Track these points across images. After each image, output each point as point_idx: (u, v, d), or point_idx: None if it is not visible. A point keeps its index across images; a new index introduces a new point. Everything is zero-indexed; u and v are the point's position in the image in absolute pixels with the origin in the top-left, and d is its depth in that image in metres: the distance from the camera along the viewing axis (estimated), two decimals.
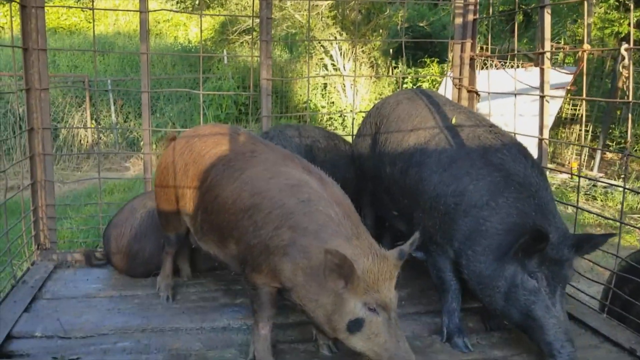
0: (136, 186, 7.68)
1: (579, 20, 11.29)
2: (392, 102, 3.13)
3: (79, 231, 5.07)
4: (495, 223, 2.29)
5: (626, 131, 9.40)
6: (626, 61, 2.59)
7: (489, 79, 3.59)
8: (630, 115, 2.73)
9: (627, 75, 2.52)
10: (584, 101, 3.05)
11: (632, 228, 5.97)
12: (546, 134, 3.13)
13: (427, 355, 2.39)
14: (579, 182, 3.62)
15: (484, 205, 2.31)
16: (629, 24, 9.52)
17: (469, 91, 3.77)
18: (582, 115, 8.51)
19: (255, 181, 2.27)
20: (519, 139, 3.18)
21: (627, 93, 2.32)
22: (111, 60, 12.32)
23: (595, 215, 5.64)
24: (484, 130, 2.58)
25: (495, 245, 2.27)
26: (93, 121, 10.27)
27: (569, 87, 6.78)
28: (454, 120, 2.65)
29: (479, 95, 3.78)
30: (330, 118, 12.15)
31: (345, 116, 11.69)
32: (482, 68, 8.31)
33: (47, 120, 3.43)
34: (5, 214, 2.99)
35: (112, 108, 10.28)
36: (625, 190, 2.78)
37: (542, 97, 3.11)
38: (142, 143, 9.91)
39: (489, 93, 3.62)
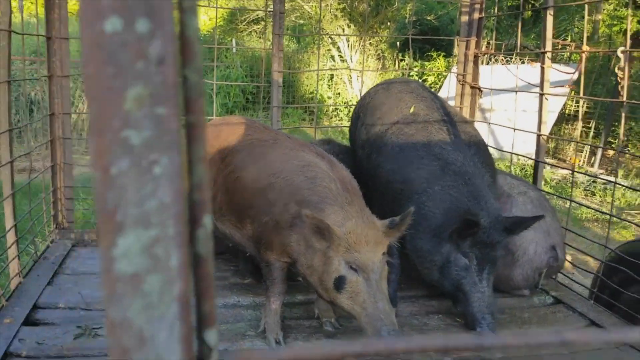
0: None
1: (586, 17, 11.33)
2: (372, 91, 3.39)
3: (93, 212, 5.22)
4: (432, 207, 2.57)
5: (629, 129, 9.53)
6: (622, 63, 2.72)
7: (491, 74, 3.75)
8: (623, 114, 2.89)
9: (622, 76, 2.66)
10: (583, 99, 3.19)
11: (629, 224, 6.10)
12: (544, 130, 3.27)
13: (423, 331, 2.57)
14: (572, 176, 3.76)
15: (423, 192, 2.59)
16: (638, 22, 9.59)
17: (472, 87, 3.91)
18: (582, 113, 8.61)
19: (273, 163, 2.47)
20: (518, 134, 3.35)
21: (622, 93, 2.43)
22: None
23: (592, 210, 5.77)
24: (436, 118, 2.80)
25: (432, 226, 2.54)
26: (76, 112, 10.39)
27: (568, 86, 6.89)
28: (411, 110, 2.86)
29: (481, 91, 3.92)
30: (337, 109, 12.27)
31: (351, 107, 11.82)
32: (488, 63, 8.43)
33: (68, 105, 3.60)
34: (29, 194, 3.16)
35: None
36: (617, 185, 2.93)
37: (541, 95, 3.25)
38: None
39: (490, 90, 3.77)
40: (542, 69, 3.22)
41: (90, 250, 3.49)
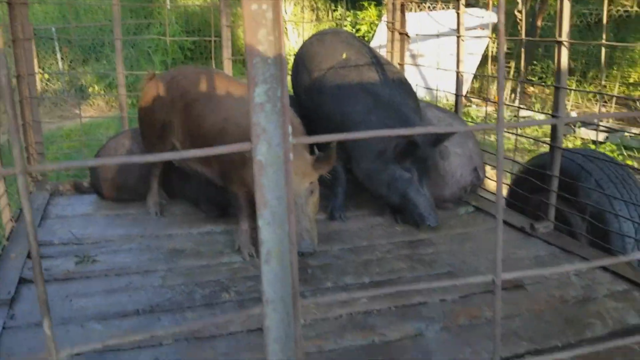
0: (93, 128, 8.03)
1: None
2: (307, 42, 3.87)
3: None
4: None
5: (547, 66, 10.35)
6: (520, 6, 3.25)
7: (419, 22, 4.24)
8: (523, 49, 3.47)
9: (520, 18, 3.18)
10: (504, 40, 3.74)
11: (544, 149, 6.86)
12: (462, 68, 3.81)
13: (370, 239, 3.11)
14: (500, 111, 4.33)
15: (361, 122, 3.11)
16: None
17: (400, 33, 4.39)
18: (502, 53, 9.30)
19: (227, 110, 2.89)
20: (447, 78, 3.89)
21: (520, 31, 2.89)
22: (50, 7, 12.18)
23: (512, 140, 6.48)
24: (365, 61, 3.30)
25: (376, 151, 3.07)
26: (40, 69, 10.32)
27: (479, 28, 7.50)
28: (344, 56, 3.36)
29: (409, 36, 4.42)
30: None
31: (288, 59, 12.13)
32: (416, 10, 8.93)
33: (32, 67, 3.85)
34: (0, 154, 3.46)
35: (59, 56, 10.35)
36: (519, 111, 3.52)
37: (458, 37, 3.77)
38: (90, 89, 10.05)
39: (417, 35, 4.27)
40: (457, 14, 3.73)
41: (67, 198, 3.83)
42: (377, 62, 3.38)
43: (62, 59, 10.47)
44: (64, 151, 5.31)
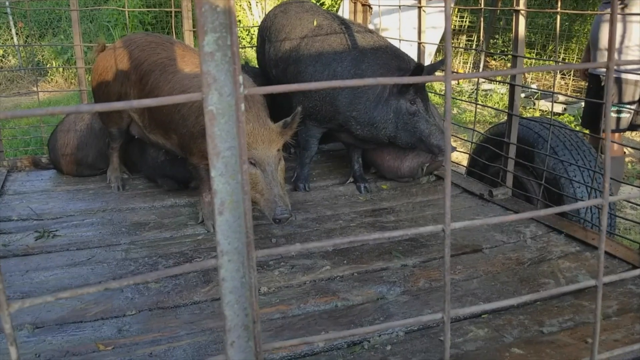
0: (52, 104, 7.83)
1: None
2: (271, 14, 3.81)
3: (20, 142, 5.35)
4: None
5: (508, 40, 10.47)
6: None
7: None
8: (482, 19, 3.53)
9: None
10: (468, 14, 3.77)
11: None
12: (423, 39, 3.84)
13: (334, 209, 3.14)
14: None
15: (352, 76, 3.06)
16: None
17: (362, 5, 4.39)
18: (466, 27, 9.41)
19: (183, 80, 2.82)
20: (403, 45, 3.91)
21: (480, 2, 2.97)
22: None
23: (472, 113, 6.59)
24: (337, 24, 3.31)
25: (376, 93, 3.02)
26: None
27: None
28: (315, 23, 3.35)
29: (371, 8, 4.41)
30: (239, 37, 12.38)
31: (252, 33, 11.99)
32: None
33: None
34: None
35: (13, 30, 10.00)
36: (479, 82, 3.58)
37: (419, 8, 3.79)
38: (48, 65, 9.76)
39: (379, 7, 4.27)
40: None
41: (26, 174, 3.75)
42: (349, 22, 3.38)
43: (17, 34, 10.12)
44: (22, 127, 5.17)
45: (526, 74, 9.18)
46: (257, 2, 12.13)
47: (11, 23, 9.95)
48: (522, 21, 2.95)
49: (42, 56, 10.08)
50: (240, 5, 12.77)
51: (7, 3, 9.24)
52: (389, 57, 3.04)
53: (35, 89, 9.61)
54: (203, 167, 2.85)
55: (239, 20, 12.67)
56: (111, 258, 2.59)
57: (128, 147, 3.56)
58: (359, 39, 3.15)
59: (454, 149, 3.43)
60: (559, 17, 2.86)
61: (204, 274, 2.43)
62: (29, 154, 4.63)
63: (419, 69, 2.89)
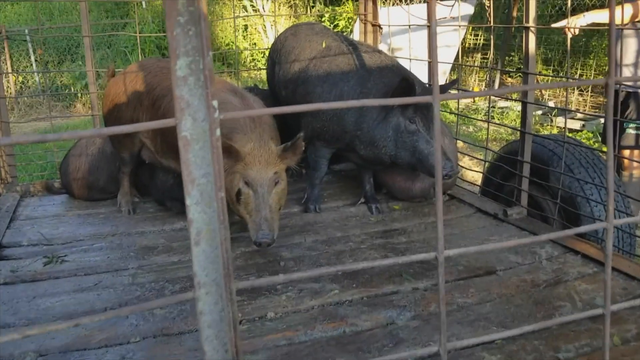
0: (81, 127, 7.93)
1: None
2: (282, 37, 3.81)
3: (34, 168, 5.41)
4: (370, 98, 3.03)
5: (524, 56, 10.41)
6: None
7: (388, 15, 4.23)
8: (492, 36, 3.49)
9: (488, 4, 3.19)
10: (482, 32, 3.75)
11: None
12: (434, 57, 3.80)
13: (344, 230, 3.10)
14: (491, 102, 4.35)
15: (358, 95, 3.02)
16: None
17: (372, 25, 4.38)
18: (480, 45, 9.38)
19: None
20: (416, 65, 3.88)
21: (490, 18, 2.94)
22: (23, 9, 12.02)
23: (492, 131, 6.51)
24: (345, 45, 3.29)
25: (377, 114, 2.96)
26: (13, 72, 10.19)
27: (450, 17, 7.50)
28: (324, 45, 3.34)
29: (381, 28, 4.40)
30: (254, 59, 12.51)
31: (267, 56, 12.09)
32: (393, 4, 8.93)
33: None
34: None
35: (32, 57, 10.21)
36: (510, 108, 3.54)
37: (429, 27, 3.77)
38: (67, 91, 9.91)
39: (389, 26, 4.26)
40: (428, 3, 3.72)
41: (38, 199, 3.77)
42: (358, 43, 3.37)
43: (36, 60, 10.32)
44: (37, 152, 5.23)
45: (543, 91, 9.09)
46: (271, 25, 12.25)
47: (30, 50, 10.15)
48: (532, 38, 2.90)
49: (61, 82, 10.25)
50: (255, 29, 12.93)
51: (26, 31, 9.45)
52: (394, 76, 3.00)
53: (55, 114, 9.78)
54: None
55: (254, 43, 12.82)
56: (118, 283, 2.57)
57: (138, 171, 3.56)
58: (366, 59, 3.13)
59: (458, 171, 3.35)
60: (569, 34, 2.81)
61: None
62: (45, 178, 4.66)
63: (403, 83, 2.80)
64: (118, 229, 3.20)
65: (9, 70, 9.92)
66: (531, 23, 2.87)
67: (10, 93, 9.92)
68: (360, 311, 2.26)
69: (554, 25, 4.87)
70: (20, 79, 10.15)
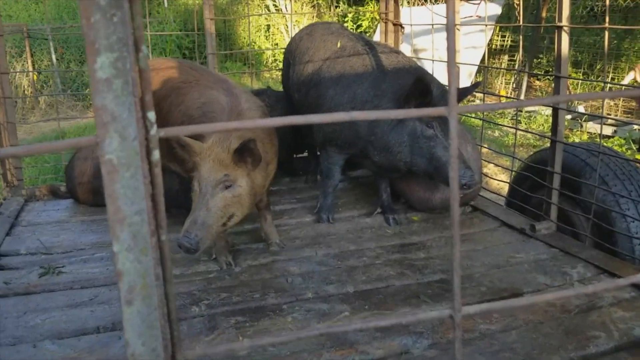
0: (88, 130, 7.87)
1: None
2: (297, 37, 3.63)
3: (40, 170, 5.31)
4: (384, 103, 2.80)
5: (552, 59, 10.07)
6: None
7: (410, 14, 4.02)
8: (522, 36, 3.24)
9: (518, 2, 2.96)
10: (510, 33, 3.52)
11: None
12: (458, 59, 3.58)
13: (358, 243, 2.89)
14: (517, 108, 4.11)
15: (372, 98, 2.82)
16: None
17: (394, 24, 4.17)
18: (507, 46, 9.08)
19: (186, 104, 2.67)
20: (439, 66, 3.66)
21: (519, 17, 2.73)
22: (46, 7, 12.03)
23: (519, 135, 6.25)
24: (361, 45, 3.08)
25: (390, 118, 2.74)
26: (34, 71, 10.18)
27: (476, 16, 7.24)
28: (339, 45, 3.13)
29: (403, 27, 4.19)
30: (276, 59, 12.36)
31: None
32: (415, 4, 8.70)
33: (5, 65, 3.66)
34: None
35: (53, 56, 10.19)
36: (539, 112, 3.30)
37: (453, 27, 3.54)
38: (87, 90, 9.92)
39: (411, 26, 4.04)
40: (447, 1, 3.49)
41: (42, 203, 3.64)
42: (373, 43, 3.17)
43: (57, 59, 10.31)
44: (44, 155, 5.12)
45: (567, 91, 8.76)
46: (293, 25, 12.09)
47: (51, 49, 10.14)
48: (565, 38, 2.67)
49: (82, 81, 10.22)
50: (277, 29, 12.78)
51: (48, 29, 9.43)
52: (410, 77, 2.77)
53: (75, 114, 9.75)
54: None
55: (276, 44, 12.67)
56: (115, 298, 2.40)
57: None
58: (381, 60, 2.93)
59: (478, 181, 3.09)
60: (607, 33, 2.57)
61: (209, 319, 2.21)
62: (53, 182, 4.54)
63: (417, 84, 2.60)
64: None
65: (30, 67, 9.92)
66: (564, 22, 2.64)
67: (31, 92, 9.92)
68: (372, 337, 2.05)
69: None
70: (42, 77, 10.13)
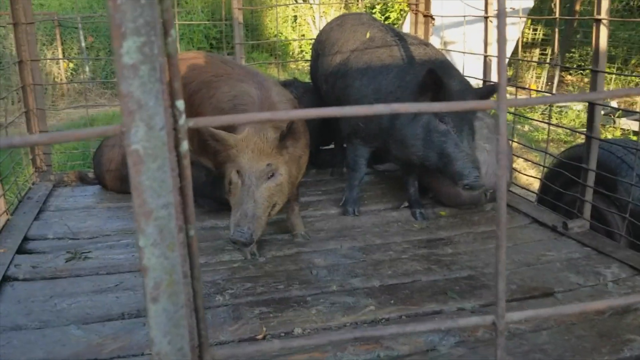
0: (116, 118, 7.93)
1: None
2: (327, 28, 3.58)
3: (69, 157, 5.38)
4: (407, 94, 2.75)
5: (586, 54, 9.83)
6: None
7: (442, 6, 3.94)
8: (557, 29, 3.14)
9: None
10: (541, 26, 3.42)
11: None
12: (489, 51, 3.50)
13: (384, 237, 2.85)
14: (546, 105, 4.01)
15: (396, 89, 2.77)
16: None
17: (424, 16, 4.09)
18: (539, 40, 8.88)
19: (216, 97, 2.62)
20: (469, 59, 3.59)
21: (555, 10, 2.66)
22: None
23: (545, 131, 6.12)
24: (391, 37, 3.02)
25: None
26: (65, 60, 10.31)
27: (511, 8, 7.07)
28: (367, 35, 3.07)
29: (433, 19, 4.11)
30: (302, 51, 12.31)
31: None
32: None
33: (35, 52, 3.69)
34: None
35: (83, 45, 10.30)
36: (571, 107, 3.21)
37: (486, 19, 3.46)
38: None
39: (442, 17, 3.96)
40: None
41: (70, 189, 3.67)
42: (403, 34, 3.12)
43: (87, 48, 10.42)
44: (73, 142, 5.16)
45: (605, 89, 8.54)
46: (320, 16, 12.01)
47: (81, 37, 10.24)
48: (603, 32, 2.57)
49: (110, 70, 10.32)
50: (304, 20, 12.72)
51: (78, 18, 9.52)
52: (436, 67, 2.71)
53: (103, 102, 9.85)
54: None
55: (303, 35, 12.61)
56: (139, 285, 2.40)
57: None
58: (409, 51, 2.87)
59: (482, 185, 2.95)
60: None
61: (233, 308, 2.20)
62: (81, 168, 4.58)
63: (429, 74, 2.56)
64: None
65: (60, 55, 10.04)
66: (603, 15, 2.54)
67: (61, 79, 10.05)
68: (398, 333, 2.01)
69: None
70: (72, 65, 10.25)
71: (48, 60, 9.76)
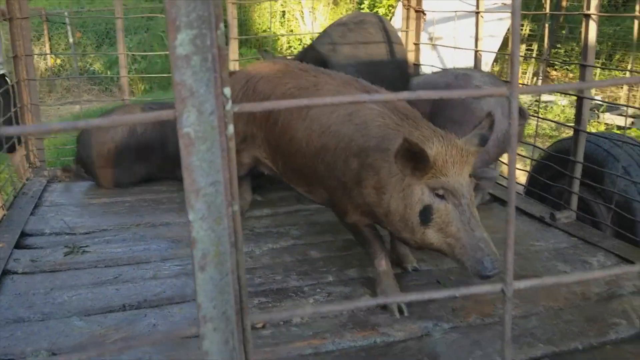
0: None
1: None
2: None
3: (60, 152, 5.37)
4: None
5: (571, 49, 9.98)
6: None
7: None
8: (547, 24, 3.24)
9: None
10: (528, 21, 3.50)
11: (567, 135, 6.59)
12: (480, 46, 3.58)
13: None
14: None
15: None
16: None
17: (416, 11, 4.16)
18: (526, 35, 9.00)
19: (320, 118, 2.24)
20: (458, 54, 3.66)
21: (545, 5, 2.74)
22: None
23: (532, 126, 6.22)
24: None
25: None
26: (52, 55, 10.25)
27: (502, 4, 7.16)
28: None
29: (425, 14, 4.18)
30: (290, 46, 12.33)
31: (304, 43, 11.90)
32: None
33: (29, 47, 3.71)
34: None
35: (71, 40, 10.24)
36: (555, 102, 3.29)
37: (477, 14, 3.54)
38: (103, 73, 9.92)
39: (433, 12, 4.03)
40: None
41: (64, 185, 3.69)
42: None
43: (74, 43, 10.36)
44: (66, 136, 5.18)
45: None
46: (309, 12, 12.05)
47: (69, 33, 10.19)
48: (592, 27, 2.66)
49: (97, 66, 10.28)
50: (293, 15, 12.74)
51: (65, 13, 9.47)
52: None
53: (91, 97, 9.80)
54: (367, 228, 2.24)
55: (291, 30, 12.64)
56: (138, 277, 2.45)
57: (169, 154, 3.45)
58: None
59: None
60: (637, 22, 2.55)
61: None
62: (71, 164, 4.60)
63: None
64: (143, 219, 3.08)
65: (48, 50, 9.98)
66: (592, 10, 2.63)
67: (48, 75, 9.99)
68: (393, 320, 2.09)
69: None
70: (59, 61, 10.20)
71: (35, 56, 9.69)
